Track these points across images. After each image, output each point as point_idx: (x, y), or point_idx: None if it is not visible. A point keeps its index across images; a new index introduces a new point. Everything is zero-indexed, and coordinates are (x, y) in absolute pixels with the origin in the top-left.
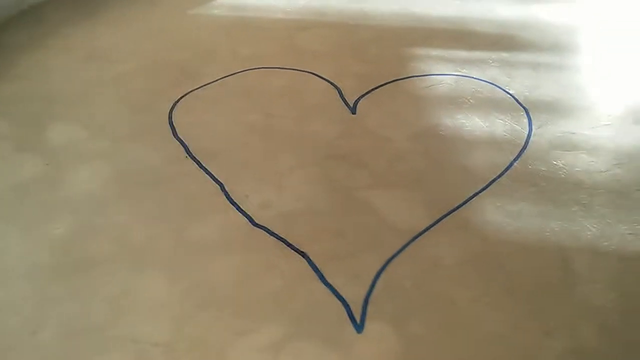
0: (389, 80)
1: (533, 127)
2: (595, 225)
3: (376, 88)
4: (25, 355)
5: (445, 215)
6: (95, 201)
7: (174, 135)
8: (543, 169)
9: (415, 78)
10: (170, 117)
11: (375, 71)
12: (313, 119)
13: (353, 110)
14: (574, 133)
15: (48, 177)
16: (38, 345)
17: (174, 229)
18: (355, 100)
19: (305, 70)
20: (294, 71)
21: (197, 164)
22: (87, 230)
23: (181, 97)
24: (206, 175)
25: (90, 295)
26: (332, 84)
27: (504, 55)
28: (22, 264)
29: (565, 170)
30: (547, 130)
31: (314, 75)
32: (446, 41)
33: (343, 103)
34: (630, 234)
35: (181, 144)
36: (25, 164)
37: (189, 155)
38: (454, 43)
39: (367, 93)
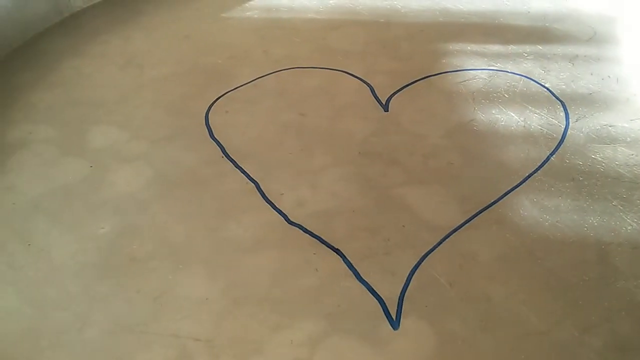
0: (421, 77)
1: (570, 120)
2: (635, 220)
3: (408, 85)
4: (72, 351)
5: (480, 211)
6: (137, 201)
7: (210, 136)
8: (580, 163)
9: (448, 74)
10: (206, 119)
11: (407, 68)
12: (346, 117)
13: (386, 108)
14: (612, 126)
15: (92, 178)
16: (85, 341)
17: (212, 227)
18: (388, 98)
19: (338, 69)
20: (326, 70)
21: (233, 163)
22: (131, 230)
23: (217, 99)
24: (242, 174)
25: (134, 293)
26: (364, 81)
27: (539, 48)
28: (70, 263)
29: (604, 164)
30: (584, 124)
31: (346, 74)
32: (479, 35)
33: (375, 100)
34: None
35: (217, 144)
36: (70, 167)
37: (225, 156)
38: (487, 37)
39: (399, 90)
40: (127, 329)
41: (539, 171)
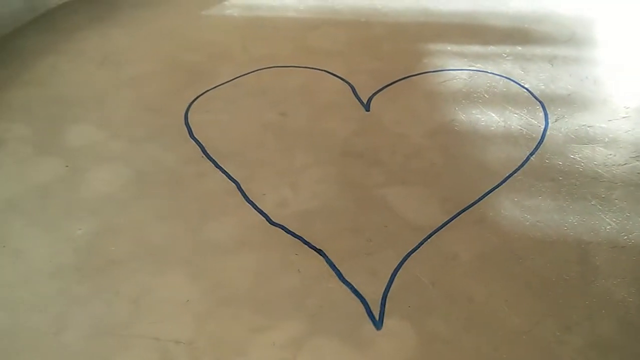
0: (403, 77)
1: (549, 120)
2: (614, 219)
3: (390, 84)
4: (49, 355)
5: (462, 211)
6: (115, 202)
7: (190, 135)
8: (560, 163)
9: (429, 74)
10: (186, 118)
11: (388, 67)
12: (328, 117)
13: (367, 107)
14: (591, 126)
15: (68, 178)
16: (62, 344)
17: (192, 228)
18: (369, 97)
19: (319, 68)
20: (307, 69)
21: (213, 163)
22: (109, 231)
23: (196, 98)
24: (222, 174)
25: (112, 295)
26: (345, 81)
27: (519, 49)
28: (47, 265)
29: (582, 164)
30: (563, 124)
31: (327, 73)
32: (460, 36)
33: (357, 100)
34: None
35: (197, 144)
36: (46, 166)
37: (205, 155)
38: (467, 38)
39: (380, 90)
40: (106, 331)
41: (519, 171)
